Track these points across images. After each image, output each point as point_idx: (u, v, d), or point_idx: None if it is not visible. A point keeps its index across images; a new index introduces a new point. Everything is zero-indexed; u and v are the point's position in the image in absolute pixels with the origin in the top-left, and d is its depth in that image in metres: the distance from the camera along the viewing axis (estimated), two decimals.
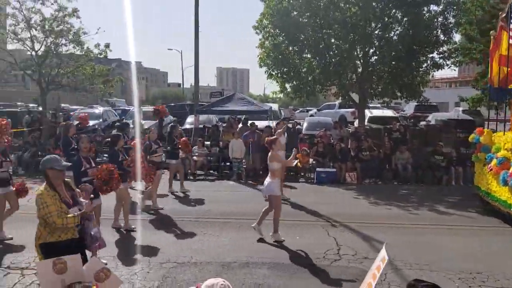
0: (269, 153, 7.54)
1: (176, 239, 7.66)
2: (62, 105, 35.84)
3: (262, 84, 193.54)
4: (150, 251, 6.91)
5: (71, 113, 26.06)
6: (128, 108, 32.62)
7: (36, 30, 18.17)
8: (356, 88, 18.04)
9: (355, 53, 16.99)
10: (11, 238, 7.40)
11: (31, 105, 31.71)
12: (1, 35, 18.84)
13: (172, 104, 35.07)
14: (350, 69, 17.38)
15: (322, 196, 11.46)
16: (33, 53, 18.59)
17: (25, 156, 14.54)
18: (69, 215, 4.07)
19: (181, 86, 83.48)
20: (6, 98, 36.82)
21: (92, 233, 4.41)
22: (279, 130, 10.23)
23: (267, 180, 7.45)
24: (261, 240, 7.44)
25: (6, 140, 7.89)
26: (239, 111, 16.88)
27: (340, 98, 19.65)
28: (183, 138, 12.03)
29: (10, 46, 21.15)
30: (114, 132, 10.79)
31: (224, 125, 19.39)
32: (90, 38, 21.48)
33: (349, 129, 17.53)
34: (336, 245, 7.32)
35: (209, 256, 6.69)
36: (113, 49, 22.78)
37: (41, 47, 18.45)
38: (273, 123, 16.65)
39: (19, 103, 33.28)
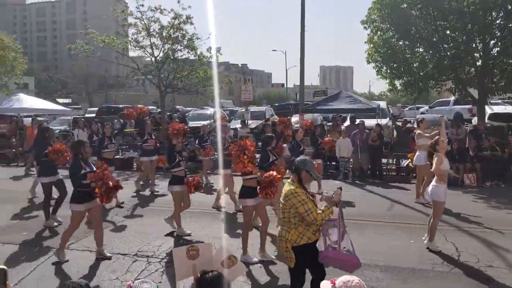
0: (434, 156, 6.94)
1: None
2: (177, 106, 38.55)
3: (366, 82, 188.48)
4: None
5: (186, 114, 27.96)
6: (235, 109, 33.96)
7: (155, 37, 19.73)
8: (474, 82, 16.67)
9: (474, 45, 15.70)
10: (190, 234, 7.77)
11: (150, 107, 34.56)
12: (124, 43, 20.77)
13: (276, 104, 35.71)
14: (468, 62, 16.11)
15: None
16: (153, 59, 20.21)
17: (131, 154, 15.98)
18: (323, 210, 4.14)
19: (285, 86, 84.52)
20: (129, 100, 40.63)
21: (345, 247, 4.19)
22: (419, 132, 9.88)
23: (433, 184, 6.89)
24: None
25: (182, 141, 8.44)
26: (346, 109, 16.58)
27: (457, 94, 18.31)
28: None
29: (131, 53, 23.27)
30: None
31: (330, 124, 19.22)
32: (202, 43, 22.70)
33: (466, 127, 16.26)
34: (456, 251, 6.84)
35: None
36: (222, 52, 23.84)
37: (160, 53, 19.98)
38: (381, 121, 16.09)
39: (139, 105, 36.42)
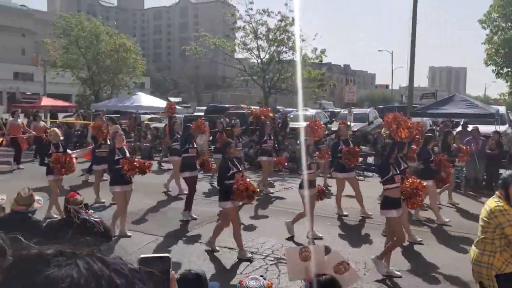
0: None
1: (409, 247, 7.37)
2: (278, 107, 39.12)
3: (481, 85, 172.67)
4: (368, 252, 6.96)
5: (287, 114, 28.21)
6: (336, 110, 33.43)
7: (262, 40, 20.31)
8: None
9: None
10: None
11: (252, 107, 35.50)
12: (233, 46, 21.66)
13: (381, 106, 34.42)
14: None
15: None
16: (259, 60, 20.83)
17: (251, 153, 16.36)
18: None
19: (390, 87, 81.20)
20: (235, 100, 42.23)
21: None
22: None
23: None
24: None
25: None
26: (460, 114, 15.41)
27: None
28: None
29: (239, 55, 24.17)
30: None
31: (438, 128, 18.04)
32: (308, 44, 22.82)
33: None
34: None
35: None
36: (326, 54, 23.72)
37: (265, 55, 20.53)
38: (500, 128, 14.72)
39: (243, 105, 37.70)
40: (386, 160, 6.15)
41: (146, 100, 20.66)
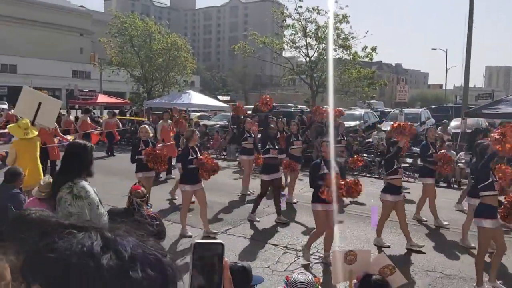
0: None
1: (442, 249, 7.21)
2: (325, 106, 38.62)
3: None
4: (416, 256, 6.78)
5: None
6: (386, 110, 32.60)
7: (310, 37, 20.15)
8: None
9: None
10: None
11: (299, 106, 35.35)
12: (281, 44, 21.64)
13: (433, 107, 33.23)
14: None
15: None
16: (307, 59, 20.69)
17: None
18: None
19: (443, 87, 78.17)
20: (282, 100, 42.21)
21: None
22: None
23: None
24: None
25: None
26: None
27: None
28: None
29: (286, 54, 24.12)
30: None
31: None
32: (358, 42, 22.42)
33: None
34: None
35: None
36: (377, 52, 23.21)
37: (314, 53, 20.37)
38: None
39: (290, 104, 37.61)
40: (486, 165, 5.60)
41: (196, 98, 21.08)
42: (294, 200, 9.95)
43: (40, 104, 7.02)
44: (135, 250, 0.73)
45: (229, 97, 64.13)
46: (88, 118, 15.06)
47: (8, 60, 55.78)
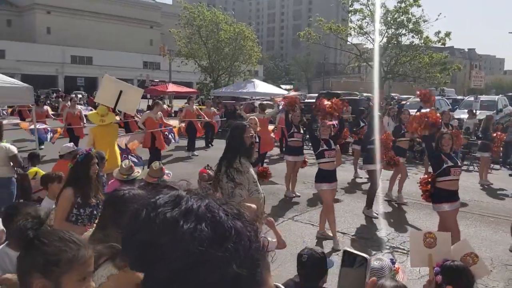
0: None
1: None
2: (392, 94, 37.34)
3: None
4: (493, 248, 6.45)
5: (402, 102, 26.84)
6: (458, 98, 30.88)
7: (379, 23, 19.49)
8: None
9: None
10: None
11: (365, 94, 34.39)
12: (348, 30, 21.11)
13: (510, 94, 30.97)
14: None
15: None
16: (375, 45, 20.06)
17: None
18: None
19: None
20: (347, 87, 41.35)
21: None
22: None
23: None
24: None
25: None
26: None
27: None
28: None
29: (353, 40, 23.48)
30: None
31: None
32: (430, 25, 21.39)
33: None
34: None
35: None
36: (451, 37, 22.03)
37: (382, 38, 19.70)
38: None
39: (356, 92, 36.69)
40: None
41: (261, 86, 21.24)
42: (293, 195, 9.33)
43: (121, 92, 7.43)
44: (198, 206, 0.76)
45: (292, 85, 63.83)
46: (194, 107, 14.74)
47: (84, 52, 59.37)
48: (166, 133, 11.15)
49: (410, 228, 7.44)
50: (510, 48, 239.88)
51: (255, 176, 4.20)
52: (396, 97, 34.12)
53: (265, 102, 16.56)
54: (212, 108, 16.65)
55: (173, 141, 11.60)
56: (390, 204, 8.86)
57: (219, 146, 15.05)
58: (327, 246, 6.51)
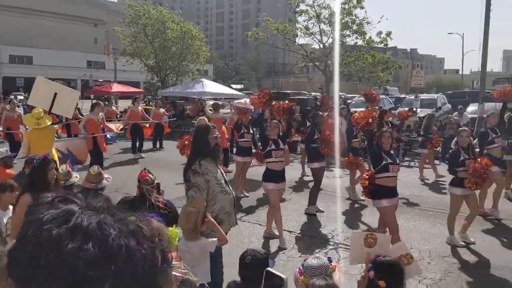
0: None
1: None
2: (340, 93, 38.28)
3: None
4: (432, 241, 6.74)
5: (348, 100, 27.59)
6: (401, 96, 32.15)
7: (324, 23, 19.91)
8: None
9: None
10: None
11: (313, 93, 35.09)
12: (295, 30, 21.42)
13: (450, 92, 32.71)
14: None
15: None
16: (321, 45, 20.46)
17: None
18: None
19: (460, 72, 76.81)
20: (295, 87, 42.01)
21: None
22: None
23: None
24: None
25: None
26: None
27: None
28: None
29: (300, 41, 23.86)
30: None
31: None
32: (372, 27, 22.11)
33: None
34: None
35: (498, 260, 6.02)
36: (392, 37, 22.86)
37: (328, 39, 20.14)
38: None
39: (304, 91, 37.36)
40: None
41: (210, 86, 21.09)
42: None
43: (55, 94, 7.08)
44: (89, 223, 0.73)
45: (242, 85, 63.97)
46: (140, 108, 14.20)
47: (24, 51, 56.43)
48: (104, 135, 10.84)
49: (355, 224, 7.65)
50: (449, 48, 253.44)
51: (220, 177, 4.24)
52: (343, 96, 35.13)
53: (220, 103, 16.48)
54: (162, 108, 16.27)
55: (110, 138, 11.33)
56: (341, 200, 9.03)
57: (169, 148, 14.85)
58: (274, 245, 6.54)
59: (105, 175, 5.73)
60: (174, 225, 3.40)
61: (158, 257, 0.76)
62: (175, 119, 18.44)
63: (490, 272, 5.72)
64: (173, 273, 1.84)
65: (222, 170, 4.39)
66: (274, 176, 6.64)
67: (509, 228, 7.46)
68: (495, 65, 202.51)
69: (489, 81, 32.92)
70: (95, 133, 10.14)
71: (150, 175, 4.99)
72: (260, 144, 7.80)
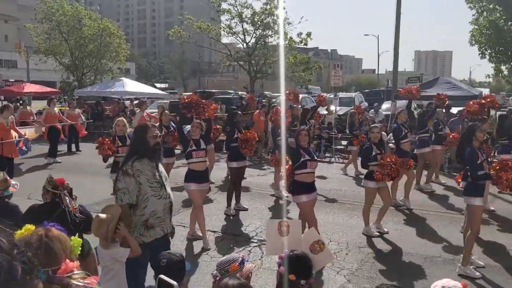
0: None
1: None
2: (265, 92, 38.98)
3: (466, 68, 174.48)
4: (349, 233, 7.05)
5: (273, 99, 28.15)
6: (323, 95, 33.41)
7: (247, 23, 20.09)
8: None
9: None
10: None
11: (239, 92, 35.37)
12: (218, 30, 21.42)
13: (367, 91, 34.57)
14: None
15: None
16: (244, 45, 20.63)
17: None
18: None
19: (376, 72, 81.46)
20: (221, 86, 42.01)
21: None
22: None
23: None
24: None
25: None
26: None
27: None
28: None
29: (224, 40, 23.93)
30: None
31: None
32: (293, 28, 22.68)
33: None
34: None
35: (410, 248, 6.45)
36: (312, 37, 23.64)
37: (251, 39, 20.34)
38: None
39: (230, 91, 37.52)
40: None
41: (131, 85, 20.41)
42: None
43: None
44: None
45: (167, 84, 62.74)
46: (56, 110, 13.51)
47: None
48: (16, 141, 10.07)
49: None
50: (366, 49, 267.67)
51: (156, 180, 3.93)
52: (269, 95, 35.81)
53: (146, 100, 15.96)
54: (77, 109, 15.44)
55: (26, 150, 10.58)
56: (265, 198, 9.13)
57: (86, 151, 14.15)
58: (198, 246, 6.48)
59: (12, 182, 5.32)
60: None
61: (18, 269, 0.74)
62: (91, 120, 17.60)
63: (402, 259, 6.09)
64: (74, 282, 1.71)
65: (162, 172, 4.10)
66: (196, 176, 6.57)
67: (420, 217, 8.01)
68: (408, 65, 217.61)
69: (402, 80, 35.20)
70: (4, 138, 9.42)
71: (66, 181, 4.72)
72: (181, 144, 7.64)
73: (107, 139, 7.62)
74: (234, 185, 8.21)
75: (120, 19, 68.93)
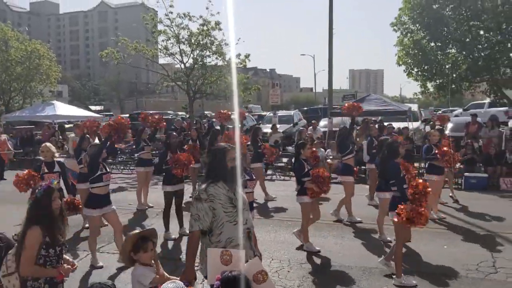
0: None
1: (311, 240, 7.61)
2: (206, 112, 38.92)
3: (397, 85, 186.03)
4: (290, 250, 7.07)
5: (213, 119, 28.13)
6: (263, 114, 33.93)
7: (184, 44, 20.03)
8: (511, 84, 16.17)
9: (510, 44, 15.20)
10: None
11: (179, 113, 35.02)
12: (154, 51, 21.17)
13: (305, 108, 35.52)
14: (503, 63, 15.61)
15: (472, 203, 10.41)
16: (182, 65, 20.51)
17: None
18: None
19: (313, 90, 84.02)
20: (160, 107, 41.38)
21: None
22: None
23: None
24: None
25: None
26: (375, 111, 16.25)
27: (492, 96, 17.78)
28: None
29: (161, 60, 23.70)
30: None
31: (358, 127, 18.92)
32: (231, 48, 22.90)
33: (503, 130, 15.70)
34: (491, 257, 6.59)
35: (350, 261, 6.57)
36: (250, 58, 24.04)
37: (188, 59, 20.29)
38: (412, 124, 15.79)
39: (169, 111, 37.02)
40: None
41: (62, 109, 19.54)
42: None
43: None
44: None
45: (102, 106, 60.83)
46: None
47: None
48: None
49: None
50: (303, 68, 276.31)
51: (234, 203, 3.58)
52: (209, 115, 35.74)
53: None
54: (3, 135, 14.51)
55: None
56: None
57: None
58: None
59: None
60: None
61: None
62: (20, 147, 16.60)
63: (342, 273, 6.19)
64: None
65: (241, 197, 3.72)
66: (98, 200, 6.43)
67: (361, 230, 8.22)
68: (343, 83, 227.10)
69: (338, 97, 36.48)
70: None
71: None
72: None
73: (24, 174, 7.31)
74: (168, 209, 7.95)
75: (50, 40, 66.29)
